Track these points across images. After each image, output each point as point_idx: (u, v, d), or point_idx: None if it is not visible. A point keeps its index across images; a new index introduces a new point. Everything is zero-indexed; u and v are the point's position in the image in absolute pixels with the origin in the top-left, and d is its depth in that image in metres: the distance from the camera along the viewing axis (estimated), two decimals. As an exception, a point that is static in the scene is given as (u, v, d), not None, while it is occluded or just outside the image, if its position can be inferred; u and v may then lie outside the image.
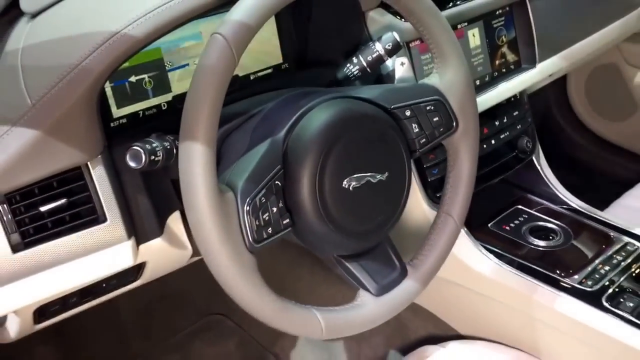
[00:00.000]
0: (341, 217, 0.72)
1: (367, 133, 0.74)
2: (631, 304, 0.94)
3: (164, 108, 0.87)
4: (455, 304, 1.10)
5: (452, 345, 1.04)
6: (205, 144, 0.61)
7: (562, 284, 0.98)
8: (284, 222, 0.69)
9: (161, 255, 0.83)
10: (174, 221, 0.83)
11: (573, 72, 1.75)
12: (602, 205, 1.29)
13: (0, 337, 0.83)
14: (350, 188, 0.72)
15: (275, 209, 0.68)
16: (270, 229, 0.67)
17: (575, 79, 1.76)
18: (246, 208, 0.65)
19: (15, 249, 0.69)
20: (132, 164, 0.69)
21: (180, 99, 0.87)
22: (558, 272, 1.01)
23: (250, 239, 0.65)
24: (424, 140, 0.80)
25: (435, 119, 0.80)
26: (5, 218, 0.68)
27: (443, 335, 1.13)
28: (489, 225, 1.13)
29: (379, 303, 0.77)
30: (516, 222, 1.14)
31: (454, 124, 0.81)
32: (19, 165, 0.67)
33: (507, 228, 1.12)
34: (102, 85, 0.69)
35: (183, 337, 1.38)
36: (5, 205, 0.68)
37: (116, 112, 0.82)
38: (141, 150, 0.68)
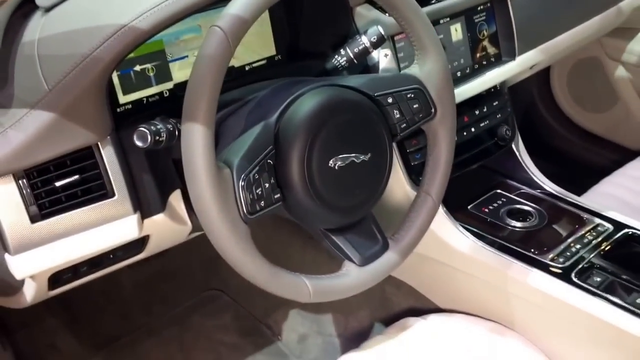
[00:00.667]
0: (327, 194, 0.79)
1: (351, 117, 0.81)
2: (598, 279, 1.02)
3: (165, 95, 0.94)
4: (436, 280, 1.18)
5: (432, 317, 1.11)
6: (205, 125, 0.68)
7: (535, 261, 1.06)
8: (275, 196, 0.77)
9: (163, 229, 0.91)
10: (175, 199, 0.91)
11: (556, 65, 1.82)
12: (581, 191, 1.37)
13: (17, 302, 0.90)
14: (336, 167, 0.80)
15: (267, 185, 0.75)
16: (262, 202, 0.75)
17: (558, 72, 1.84)
18: (241, 183, 0.72)
19: (33, 219, 0.76)
20: (138, 143, 0.76)
21: (180, 86, 0.94)
22: (532, 250, 1.08)
23: (245, 210, 0.73)
24: (404, 125, 0.87)
25: (415, 105, 0.87)
26: (24, 192, 0.75)
27: (424, 308, 1.20)
28: (469, 207, 1.20)
29: (362, 272, 0.85)
30: (495, 204, 1.21)
31: (433, 110, 0.88)
32: (37, 144, 0.74)
33: (486, 210, 1.20)
34: (111, 73, 0.77)
35: (182, 310, 1.46)
36: (24, 181, 0.75)
37: (122, 99, 0.90)
38: (147, 131, 0.76)
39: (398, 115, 0.86)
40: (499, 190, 1.25)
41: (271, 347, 1.40)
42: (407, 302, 1.24)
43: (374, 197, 0.85)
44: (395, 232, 0.90)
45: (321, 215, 0.81)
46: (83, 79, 0.74)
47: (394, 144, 1.05)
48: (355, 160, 0.81)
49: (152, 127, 0.76)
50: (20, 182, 0.75)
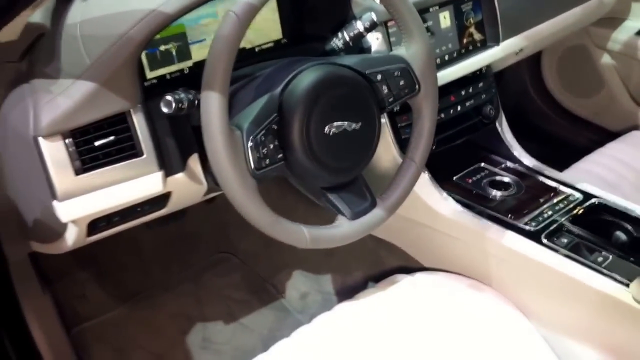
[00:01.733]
0: (323, 156, 0.92)
1: (345, 91, 0.94)
2: (565, 240, 1.15)
3: (185, 72, 1.08)
4: (423, 242, 1.32)
5: (418, 275, 1.25)
6: (221, 93, 0.82)
7: (511, 225, 1.19)
8: (278, 156, 0.90)
9: (183, 187, 1.05)
10: (193, 161, 1.05)
11: (546, 53, 1.94)
12: (565, 168, 1.49)
13: (59, 247, 1.05)
14: (331, 133, 0.93)
15: (271, 146, 0.89)
16: (267, 160, 0.89)
17: (548, 60, 1.96)
18: (250, 144, 0.86)
19: (76, 172, 0.91)
20: (164, 109, 0.90)
21: (198, 64, 1.08)
22: (509, 215, 1.22)
23: (253, 166, 0.86)
24: (391, 99, 1.00)
25: (401, 82, 1.00)
26: (70, 149, 0.90)
27: (412, 267, 1.34)
28: (454, 178, 1.34)
29: (352, 225, 0.98)
30: (478, 176, 1.34)
31: (417, 87, 1.01)
32: (81, 109, 0.89)
33: (470, 181, 1.33)
34: (141, 51, 0.91)
35: (196, 270, 1.61)
36: (70, 140, 0.90)
37: (149, 74, 1.03)
38: (171, 99, 0.90)
39: (386, 91, 0.99)
40: (482, 164, 1.39)
41: (275, 303, 1.55)
42: (397, 263, 1.38)
43: (363, 161, 0.99)
44: (383, 193, 1.03)
45: (317, 174, 0.94)
46: (119, 55, 0.88)
47: (385, 117, 1.18)
48: (348, 128, 0.95)
49: (176, 96, 0.90)
50: (66, 140, 0.90)
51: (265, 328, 1.47)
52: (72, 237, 1.01)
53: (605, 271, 1.07)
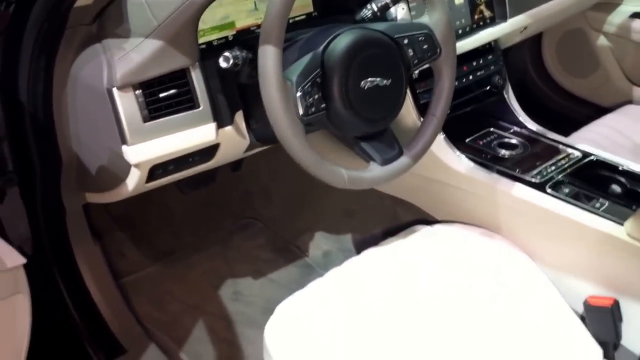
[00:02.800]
0: (358, 106, 1.05)
1: (378, 51, 1.07)
2: (567, 190, 1.28)
3: (230, 39, 1.21)
4: (437, 197, 1.45)
5: (435, 225, 1.39)
6: (277, 47, 0.95)
7: (518, 178, 1.33)
8: (322, 106, 1.03)
9: (229, 140, 1.18)
10: (239, 117, 1.18)
11: (546, 35, 2.08)
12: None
13: (119, 193, 1.17)
14: (366, 87, 1.06)
15: (316, 97, 1.02)
16: (313, 108, 1.02)
17: (548, 42, 2.10)
18: (299, 93, 0.99)
19: (144, 120, 1.04)
20: (223, 64, 1.04)
21: (241, 32, 1.21)
22: (517, 170, 1.35)
23: (301, 113, 0.99)
24: (416, 61, 1.13)
25: (425, 46, 1.13)
26: (139, 99, 1.03)
27: (428, 221, 1.47)
28: (466, 140, 1.47)
29: (383, 170, 1.12)
30: (488, 139, 1.48)
31: (438, 50, 1.14)
32: (149, 64, 1.02)
33: (480, 143, 1.47)
34: (201, 14, 1.04)
35: (223, 234, 1.74)
36: (139, 91, 1.03)
37: (199, 39, 1.17)
38: (230, 55, 1.03)
39: (412, 54, 1.13)
40: (491, 129, 1.52)
41: (300, 261, 1.68)
42: (413, 218, 1.51)
43: (392, 113, 1.12)
44: (408, 144, 1.17)
45: (353, 123, 1.08)
46: (183, 17, 1.01)
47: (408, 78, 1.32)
48: (380, 84, 1.08)
49: (233, 53, 1.04)
50: (136, 92, 1.03)
51: (292, 282, 1.60)
52: (133, 182, 1.13)
53: (602, 214, 1.21)
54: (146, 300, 1.53)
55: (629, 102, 1.95)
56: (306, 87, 1.01)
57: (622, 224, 1.17)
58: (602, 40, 1.99)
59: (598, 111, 2.01)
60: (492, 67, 1.51)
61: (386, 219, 1.57)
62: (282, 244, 1.73)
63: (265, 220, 1.79)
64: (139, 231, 1.65)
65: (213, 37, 1.18)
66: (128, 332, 1.39)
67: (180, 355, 1.41)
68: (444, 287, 1.21)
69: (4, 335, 1.03)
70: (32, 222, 1.23)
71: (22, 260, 1.04)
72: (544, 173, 1.34)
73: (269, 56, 0.95)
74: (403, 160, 1.14)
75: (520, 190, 1.30)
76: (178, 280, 1.61)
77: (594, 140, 1.60)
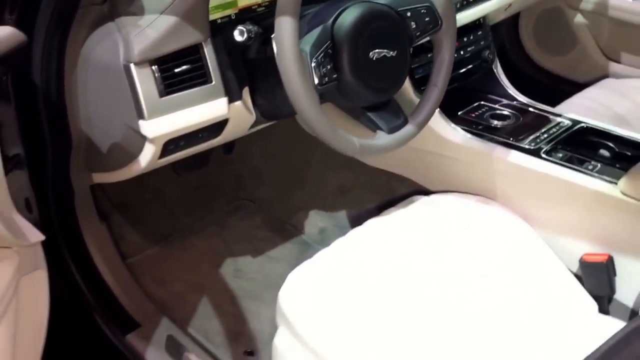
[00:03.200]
0: (367, 76, 1.09)
1: (384, 24, 1.11)
2: (560, 155, 1.34)
3: (232, 17, 1.23)
4: (432, 169, 1.49)
5: (433, 195, 1.44)
6: (294, 17, 0.97)
7: (513, 145, 1.38)
8: (333, 76, 1.07)
9: (238, 115, 1.20)
10: (245, 93, 1.21)
11: (524, 15, 2.15)
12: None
13: (131, 170, 1.19)
14: (373, 58, 1.10)
15: (329, 67, 1.05)
16: (326, 78, 1.05)
17: (525, 22, 2.17)
18: (313, 63, 1.03)
19: (160, 94, 1.06)
20: (238, 37, 1.07)
21: (243, 10, 1.23)
22: (510, 138, 1.41)
23: (316, 82, 1.03)
24: (418, 33, 1.17)
25: (427, 19, 1.17)
26: (155, 75, 1.05)
27: (423, 193, 1.52)
28: (459, 113, 1.52)
29: (390, 138, 1.16)
30: (480, 111, 1.53)
31: (440, 23, 1.19)
32: (165, 39, 1.04)
33: (473, 115, 1.52)
34: None
35: (219, 215, 1.76)
36: (155, 66, 1.05)
37: (204, 18, 1.19)
38: (244, 29, 1.06)
39: (414, 26, 1.17)
40: (483, 102, 1.58)
41: (297, 238, 1.72)
42: (408, 191, 1.56)
43: (398, 83, 1.17)
44: (412, 113, 1.21)
45: (362, 93, 1.11)
46: None
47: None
48: (386, 55, 1.12)
49: (247, 27, 1.07)
50: (152, 67, 1.05)
51: (291, 258, 1.63)
52: (146, 158, 1.15)
53: (595, 174, 1.27)
54: (150, 281, 1.55)
55: (606, 76, 2.03)
56: (319, 57, 1.04)
57: (615, 183, 1.23)
58: (579, 18, 2.06)
59: (576, 87, 2.09)
60: (482, 42, 1.57)
61: (381, 193, 1.61)
62: (278, 223, 1.76)
63: (258, 201, 1.82)
64: (136, 215, 1.66)
65: (217, 15, 1.20)
66: (140, 308, 1.41)
67: (189, 331, 1.43)
68: (445, 252, 1.26)
69: (28, 310, 1.04)
70: (40, 203, 1.24)
71: (42, 236, 1.05)
72: (537, 140, 1.40)
73: (286, 27, 0.98)
74: (408, 128, 1.19)
75: (516, 157, 1.36)
76: (178, 260, 1.63)
77: (578, 111, 1.66)
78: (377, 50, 1.10)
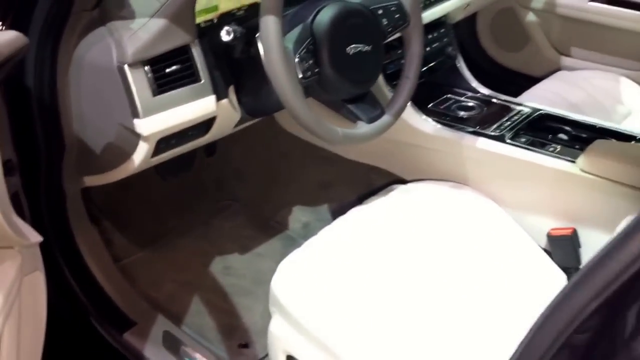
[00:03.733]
0: (345, 69, 1.17)
1: (358, 21, 1.20)
2: (523, 139, 1.46)
3: (214, 22, 1.30)
4: (407, 159, 1.58)
5: (409, 184, 1.53)
6: (277, 16, 1.05)
7: (480, 132, 1.49)
8: (315, 70, 1.14)
9: (225, 112, 1.27)
10: (231, 91, 1.28)
11: (481, 14, 2.28)
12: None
13: (124, 169, 1.25)
14: (351, 53, 1.19)
15: (311, 62, 1.13)
16: (309, 72, 1.13)
17: (482, 22, 2.29)
18: (297, 58, 1.11)
19: (154, 93, 1.12)
20: (225, 37, 1.14)
21: (224, 15, 1.30)
22: (477, 127, 1.51)
23: (300, 75, 1.11)
24: (390, 29, 1.26)
25: (397, 15, 1.27)
26: (149, 75, 1.11)
27: (402, 181, 1.61)
28: (429, 106, 1.62)
29: (370, 127, 1.24)
30: (447, 104, 1.64)
31: (408, 19, 1.29)
32: (156, 41, 1.11)
33: (442, 107, 1.62)
34: None
35: (204, 217, 1.81)
36: (148, 67, 1.11)
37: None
38: (231, 29, 1.13)
39: (386, 22, 1.26)
40: (450, 95, 1.68)
41: (282, 234, 1.78)
42: (386, 182, 1.64)
43: (375, 75, 1.25)
44: (388, 104, 1.30)
45: (342, 86, 1.19)
46: None
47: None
48: (362, 49, 1.20)
49: (233, 27, 1.14)
50: (145, 68, 1.11)
51: (277, 254, 1.69)
52: (140, 157, 1.21)
53: (556, 155, 1.38)
54: (141, 283, 1.59)
55: (559, 70, 2.16)
56: (302, 53, 1.12)
57: (574, 162, 1.34)
58: (530, 17, 2.19)
59: (532, 81, 2.21)
60: (445, 39, 1.68)
61: (361, 186, 1.69)
62: (262, 221, 1.82)
63: (242, 201, 1.88)
64: (123, 220, 1.71)
65: (201, 19, 1.27)
66: (134, 307, 1.45)
67: (183, 329, 1.48)
68: (423, 235, 1.34)
69: (29, 310, 1.07)
70: (32, 206, 1.28)
71: (40, 237, 1.10)
72: (502, 127, 1.51)
73: (271, 25, 1.05)
74: (386, 118, 1.27)
75: (483, 143, 1.46)
76: (168, 262, 1.67)
77: (536, 101, 1.78)
78: (353, 45, 1.19)
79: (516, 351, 0.69)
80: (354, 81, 1.21)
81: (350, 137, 1.21)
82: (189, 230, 1.77)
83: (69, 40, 1.16)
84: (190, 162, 1.64)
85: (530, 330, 0.66)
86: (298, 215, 1.80)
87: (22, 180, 1.26)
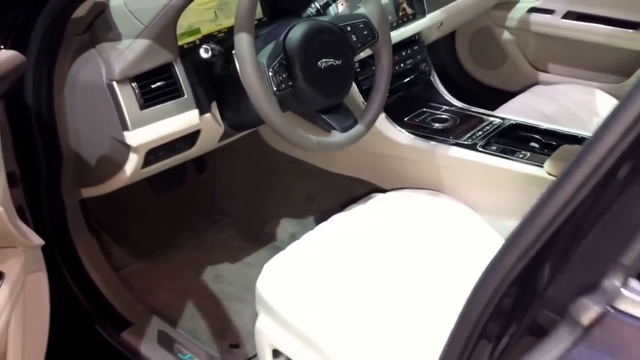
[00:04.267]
0: (318, 82, 1.26)
1: (328, 37, 1.29)
2: (494, 147, 1.54)
3: (197, 43, 1.40)
4: (386, 170, 1.66)
5: (388, 192, 1.61)
6: (250, 33, 1.14)
7: (453, 142, 1.58)
8: (289, 84, 1.24)
9: (208, 126, 1.37)
10: (214, 107, 1.37)
11: (459, 35, 2.38)
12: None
13: (117, 180, 1.34)
14: (322, 67, 1.28)
15: (284, 75, 1.22)
16: (282, 85, 1.22)
17: (461, 41, 2.40)
18: (270, 72, 1.20)
19: (141, 107, 1.22)
20: (204, 55, 1.23)
21: (206, 37, 1.41)
22: (450, 137, 1.60)
23: (274, 89, 1.20)
24: (359, 45, 1.36)
25: (365, 32, 1.36)
26: (136, 90, 1.21)
27: (382, 190, 1.69)
28: (405, 119, 1.72)
29: (344, 136, 1.33)
30: (422, 117, 1.73)
31: (376, 35, 1.38)
32: (141, 59, 1.21)
33: (417, 120, 1.71)
34: (179, 15, 1.24)
35: (197, 230, 1.90)
36: (135, 83, 1.21)
37: (175, 42, 1.36)
38: (209, 47, 1.23)
39: (355, 39, 1.35)
40: (425, 109, 1.78)
41: (270, 245, 1.87)
42: (367, 192, 1.73)
43: (346, 87, 1.35)
44: (360, 115, 1.39)
45: (314, 98, 1.28)
46: (165, 19, 1.21)
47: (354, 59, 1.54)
48: (333, 64, 1.30)
49: (211, 46, 1.24)
50: (132, 84, 1.21)
51: (266, 262, 1.77)
52: (131, 168, 1.30)
53: (525, 161, 1.46)
54: (137, 291, 1.67)
55: (536, 83, 2.26)
56: (275, 67, 1.21)
57: (541, 166, 1.43)
58: (506, 35, 2.30)
59: (510, 96, 2.31)
60: (419, 56, 1.78)
61: (343, 197, 1.78)
62: (252, 233, 1.91)
63: (233, 215, 1.97)
64: (120, 233, 1.80)
65: (183, 41, 1.37)
66: (131, 309, 1.54)
67: (178, 331, 1.56)
68: (402, 238, 1.42)
69: (33, 305, 1.16)
70: (35, 217, 1.37)
71: (42, 241, 1.19)
72: (474, 136, 1.60)
73: (244, 42, 1.15)
74: (358, 127, 1.36)
75: (456, 152, 1.55)
76: (162, 272, 1.76)
77: (511, 114, 1.87)
78: (324, 60, 1.28)
79: (459, 316, 0.77)
80: (326, 93, 1.30)
81: (324, 144, 1.30)
82: (182, 243, 1.86)
83: (63, 62, 1.26)
84: (182, 178, 1.74)
85: (471, 293, 0.74)
86: (285, 227, 1.89)
87: (25, 192, 1.36)
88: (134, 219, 1.84)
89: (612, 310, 0.63)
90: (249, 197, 1.99)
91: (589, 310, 0.63)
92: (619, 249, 0.63)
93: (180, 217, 1.93)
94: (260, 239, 1.89)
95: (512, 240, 0.69)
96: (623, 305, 0.63)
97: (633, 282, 0.63)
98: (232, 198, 1.99)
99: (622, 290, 0.63)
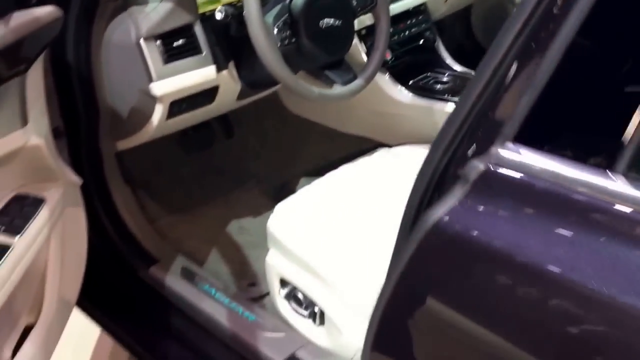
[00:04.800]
0: (320, 39, 1.43)
1: (329, 1, 1.46)
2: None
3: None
4: (390, 127, 1.83)
5: (394, 148, 1.77)
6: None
7: (449, 99, 1.72)
8: (292, 40, 1.41)
9: (226, 83, 1.55)
10: (231, 65, 1.55)
11: (474, 11, 2.50)
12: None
13: (146, 131, 1.53)
14: (323, 27, 1.45)
15: (288, 32, 1.40)
16: (287, 40, 1.39)
17: (476, 16, 2.52)
18: (275, 29, 1.37)
19: (164, 62, 1.41)
20: (218, 15, 1.42)
21: (226, 5, 1.59)
22: (449, 95, 1.75)
23: (279, 43, 1.37)
24: (359, 9, 1.52)
25: None
26: (160, 47, 1.41)
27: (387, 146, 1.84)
28: (409, 82, 1.87)
29: (344, 89, 1.49)
30: (426, 80, 1.88)
31: (375, 0, 1.54)
32: (166, 19, 1.40)
33: (421, 82, 1.86)
34: None
35: (225, 190, 2.09)
36: (160, 41, 1.41)
37: (196, 10, 1.55)
38: (223, 9, 1.42)
39: (355, 3, 1.52)
40: (429, 74, 1.93)
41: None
42: (374, 146, 1.88)
43: (346, 45, 1.51)
44: (361, 70, 1.55)
45: (316, 54, 1.45)
46: None
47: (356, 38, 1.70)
48: (334, 24, 1.47)
49: (225, 7, 1.42)
50: (157, 42, 1.41)
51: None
52: (157, 118, 1.50)
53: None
54: (168, 240, 1.86)
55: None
56: (280, 25, 1.39)
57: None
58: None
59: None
60: (424, 25, 1.92)
61: (352, 151, 1.93)
62: (274, 192, 2.09)
63: (257, 177, 2.15)
64: (154, 190, 1.99)
65: (204, 9, 1.56)
66: (159, 249, 1.73)
67: (202, 272, 1.74)
68: (404, 186, 1.56)
69: (72, 237, 1.35)
70: (75, 166, 1.58)
71: (80, 180, 1.39)
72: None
73: (252, 5, 1.32)
74: (358, 81, 1.52)
75: (451, 107, 1.69)
76: (192, 224, 1.94)
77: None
78: (325, 20, 1.45)
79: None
80: (327, 50, 1.47)
81: (325, 95, 1.47)
82: (211, 201, 2.05)
83: (100, 24, 1.46)
84: (210, 141, 1.93)
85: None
86: (304, 184, 2.05)
87: (67, 144, 1.56)
88: (167, 179, 2.04)
89: (492, 168, 0.78)
90: (273, 159, 2.17)
91: (475, 169, 0.79)
92: (504, 120, 0.80)
93: (210, 178, 2.12)
94: (283, 196, 2.06)
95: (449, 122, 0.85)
96: (501, 163, 0.78)
97: (509, 145, 0.78)
98: (257, 160, 2.18)
99: (500, 151, 0.79)
